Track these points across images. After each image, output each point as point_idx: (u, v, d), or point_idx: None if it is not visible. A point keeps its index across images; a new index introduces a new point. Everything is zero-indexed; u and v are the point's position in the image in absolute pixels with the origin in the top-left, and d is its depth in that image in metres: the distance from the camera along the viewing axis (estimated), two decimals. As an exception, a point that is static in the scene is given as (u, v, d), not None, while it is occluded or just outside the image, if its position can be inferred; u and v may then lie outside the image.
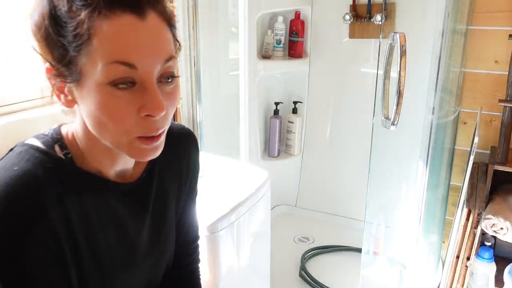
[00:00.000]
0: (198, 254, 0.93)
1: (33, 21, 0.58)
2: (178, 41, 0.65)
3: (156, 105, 0.56)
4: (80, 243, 0.62)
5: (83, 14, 0.53)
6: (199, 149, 0.87)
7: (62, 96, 0.61)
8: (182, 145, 0.82)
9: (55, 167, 0.61)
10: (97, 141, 0.62)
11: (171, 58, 0.58)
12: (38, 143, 0.63)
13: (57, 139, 0.64)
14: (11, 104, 1.09)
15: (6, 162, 0.60)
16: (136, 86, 0.56)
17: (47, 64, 0.59)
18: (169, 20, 0.60)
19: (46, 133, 0.65)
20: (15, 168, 0.58)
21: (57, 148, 0.63)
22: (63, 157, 0.63)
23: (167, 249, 0.81)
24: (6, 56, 1.03)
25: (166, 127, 0.62)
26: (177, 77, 0.61)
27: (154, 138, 0.60)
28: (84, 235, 0.63)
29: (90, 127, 0.61)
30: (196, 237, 0.92)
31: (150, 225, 0.75)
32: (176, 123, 0.84)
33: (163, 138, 0.62)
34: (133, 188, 0.71)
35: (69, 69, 0.57)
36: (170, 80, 0.60)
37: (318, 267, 1.96)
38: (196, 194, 0.89)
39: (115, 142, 0.60)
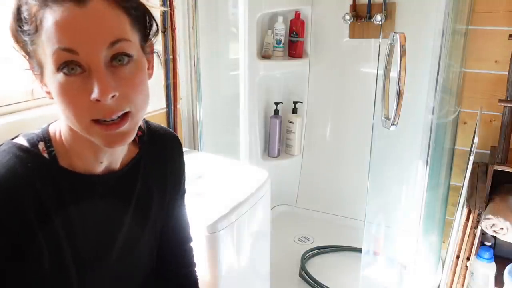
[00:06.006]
0: (192, 257, 0.92)
1: (9, 22, 0.61)
2: (153, 22, 0.66)
3: (101, 88, 0.56)
4: (61, 236, 0.64)
5: (35, 8, 0.57)
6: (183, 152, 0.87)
7: (44, 88, 0.63)
8: (168, 150, 0.83)
9: (35, 166, 0.62)
10: (76, 132, 0.63)
11: (118, 40, 0.58)
12: (23, 141, 0.64)
13: (43, 137, 0.65)
14: (11, 104, 1.09)
15: None
16: (86, 72, 0.57)
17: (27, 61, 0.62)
18: (123, 4, 0.59)
19: (36, 131, 0.67)
20: None
21: (41, 146, 0.65)
22: (46, 155, 0.64)
23: (146, 249, 0.80)
24: (5, 56, 1.03)
25: (130, 109, 0.61)
26: (132, 57, 0.60)
27: (114, 124, 0.60)
28: (65, 231, 0.65)
29: (63, 117, 0.62)
30: (187, 239, 0.90)
31: (131, 222, 0.75)
32: (158, 124, 0.83)
33: (130, 125, 0.62)
34: (117, 180, 0.72)
35: (34, 62, 0.61)
36: (125, 61, 0.59)
37: (318, 267, 1.95)
38: (184, 193, 0.88)
39: (78, 128, 0.61)
